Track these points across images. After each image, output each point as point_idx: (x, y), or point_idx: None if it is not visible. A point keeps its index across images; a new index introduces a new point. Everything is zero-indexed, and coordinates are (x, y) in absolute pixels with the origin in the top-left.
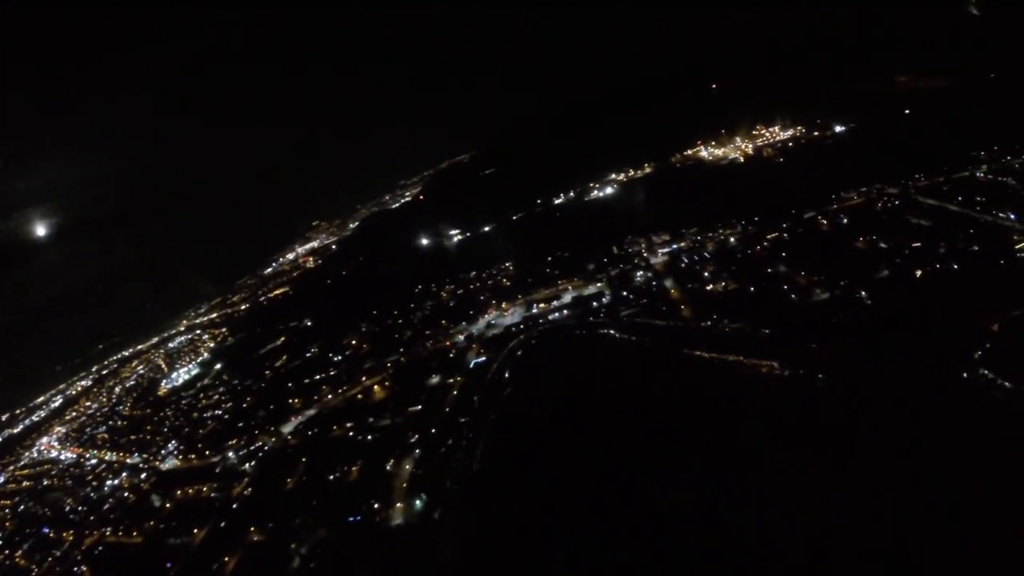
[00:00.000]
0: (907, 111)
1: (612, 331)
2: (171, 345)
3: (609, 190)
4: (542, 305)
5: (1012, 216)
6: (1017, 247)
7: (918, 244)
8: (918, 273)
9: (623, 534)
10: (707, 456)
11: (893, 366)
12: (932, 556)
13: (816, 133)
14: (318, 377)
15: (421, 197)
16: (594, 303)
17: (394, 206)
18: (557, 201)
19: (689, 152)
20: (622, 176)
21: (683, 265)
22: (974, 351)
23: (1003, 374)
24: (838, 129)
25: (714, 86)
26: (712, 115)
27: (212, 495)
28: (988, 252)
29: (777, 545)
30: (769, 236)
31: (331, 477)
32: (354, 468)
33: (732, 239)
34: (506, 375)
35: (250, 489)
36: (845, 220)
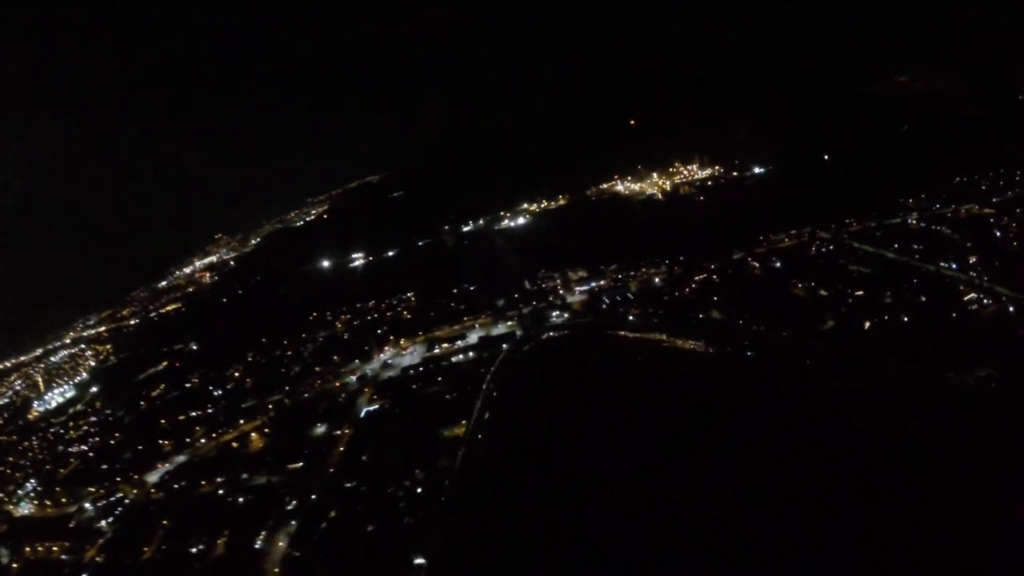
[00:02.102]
0: (826, 156)
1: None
2: (52, 359)
3: (521, 220)
4: (445, 345)
5: (954, 266)
6: (967, 299)
7: (860, 293)
8: (866, 325)
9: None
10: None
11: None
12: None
13: (735, 173)
14: (194, 415)
15: (326, 216)
16: (503, 345)
17: (298, 224)
18: (466, 229)
19: (605, 186)
20: (535, 207)
21: (604, 306)
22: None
23: None
24: (757, 170)
25: (632, 122)
26: (628, 149)
27: (62, 556)
28: (937, 304)
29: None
30: (697, 278)
31: (193, 550)
32: (220, 541)
33: (657, 279)
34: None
35: (103, 556)
36: (778, 264)
